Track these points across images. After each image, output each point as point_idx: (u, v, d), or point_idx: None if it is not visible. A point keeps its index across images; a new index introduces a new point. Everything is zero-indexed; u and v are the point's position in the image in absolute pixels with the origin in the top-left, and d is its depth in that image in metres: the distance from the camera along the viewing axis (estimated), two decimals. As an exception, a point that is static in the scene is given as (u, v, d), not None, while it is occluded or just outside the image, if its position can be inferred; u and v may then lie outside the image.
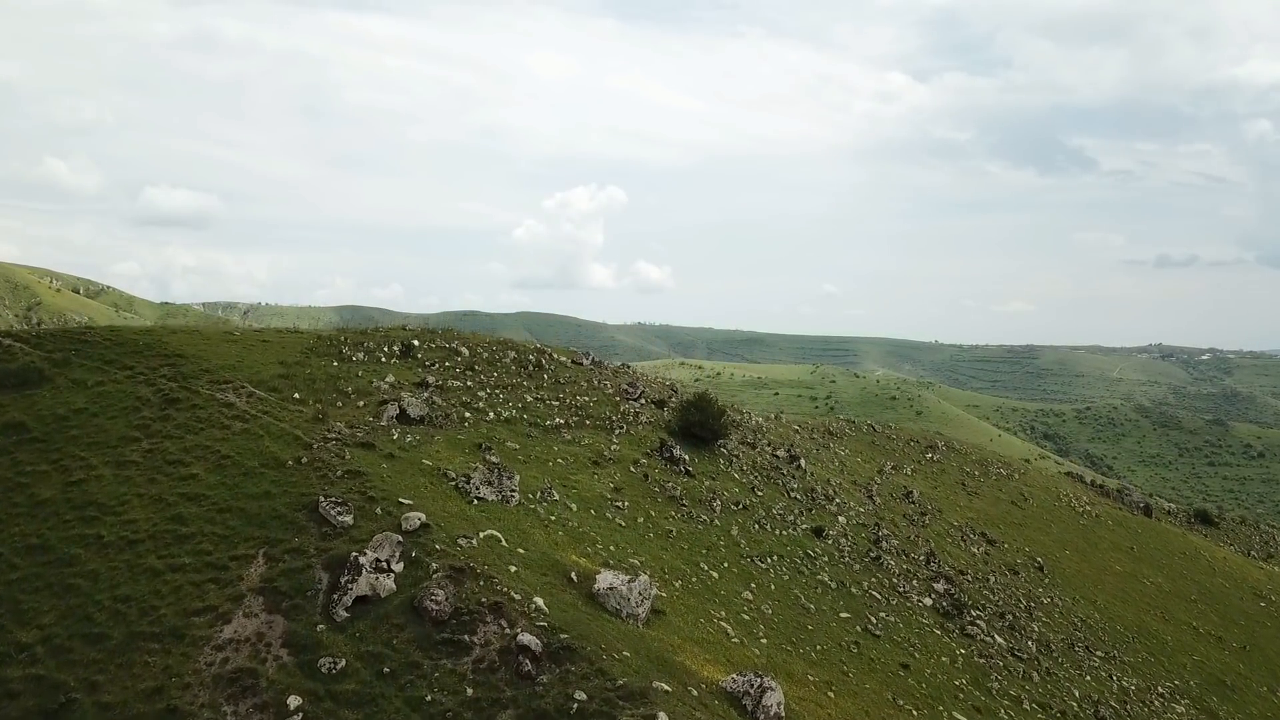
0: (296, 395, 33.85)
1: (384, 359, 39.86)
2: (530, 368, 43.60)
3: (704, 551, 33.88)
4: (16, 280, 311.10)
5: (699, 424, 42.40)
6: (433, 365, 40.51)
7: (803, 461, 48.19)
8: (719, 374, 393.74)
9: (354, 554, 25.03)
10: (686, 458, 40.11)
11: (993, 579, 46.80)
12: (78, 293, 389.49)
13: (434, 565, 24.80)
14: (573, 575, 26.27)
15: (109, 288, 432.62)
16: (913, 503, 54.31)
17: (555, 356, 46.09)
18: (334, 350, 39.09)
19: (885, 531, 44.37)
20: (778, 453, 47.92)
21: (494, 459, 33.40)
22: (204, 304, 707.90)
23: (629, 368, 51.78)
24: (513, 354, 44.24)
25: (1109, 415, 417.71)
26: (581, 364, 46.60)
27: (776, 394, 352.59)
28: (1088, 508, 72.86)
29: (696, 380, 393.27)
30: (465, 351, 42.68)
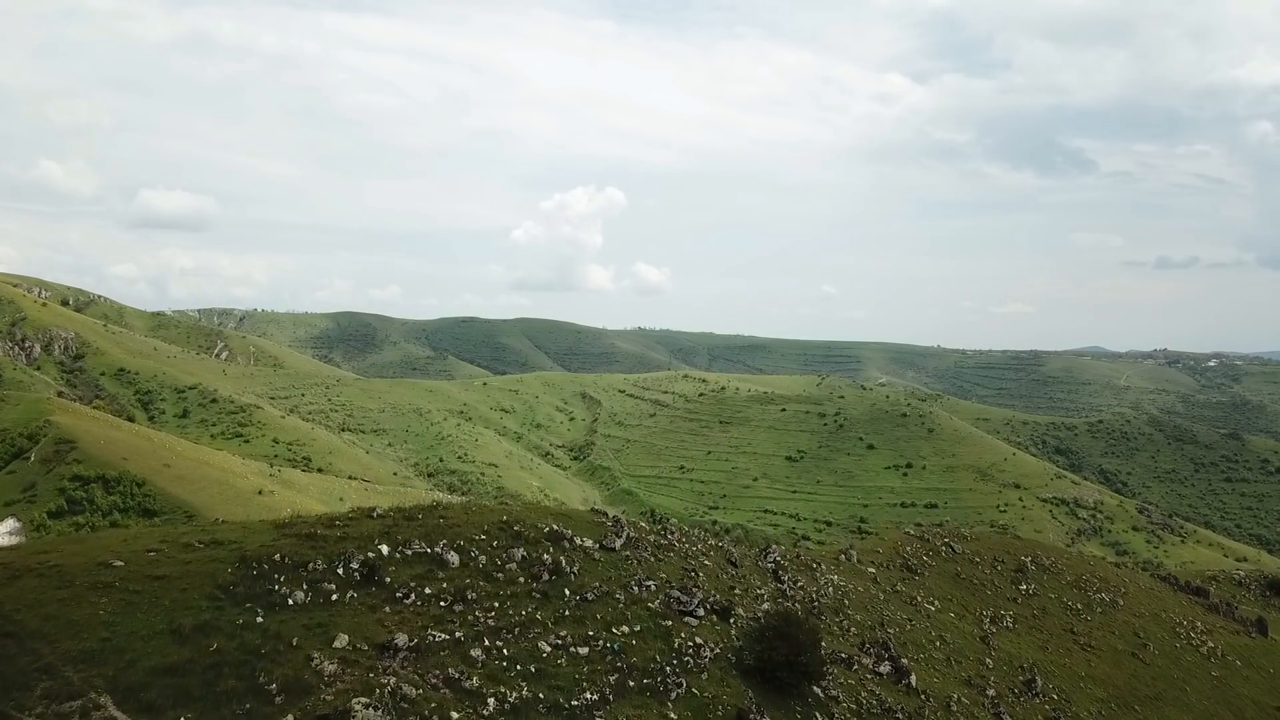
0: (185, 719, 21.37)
1: (335, 592, 27.21)
2: (546, 575, 30.96)
3: None
4: (1, 295, 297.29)
5: (786, 665, 29.99)
6: (407, 596, 27.87)
7: (912, 676, 35.81)
8: (723, 388, 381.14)
9: None
10: (775, 731, 27.79)
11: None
12: (67, 304, 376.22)
13: None
14: None
15: (100, 298, 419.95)
16: (1037, 694, 42.09)
17: (578, 542, 33.53)
18: (262, 588, 26.42)
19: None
20: (879, 668, 35.50)
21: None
22: (199, 310, 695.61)
23: (669, 532, 39.03)
24: (521, 552, 31.58)
25: (1122, 429, 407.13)
26: (614, 549, 34.10)
27: (784, 410, 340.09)
28: (1205, 639, 60.78)
29: (701, 395, 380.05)
30: (454, 559, 30.02)
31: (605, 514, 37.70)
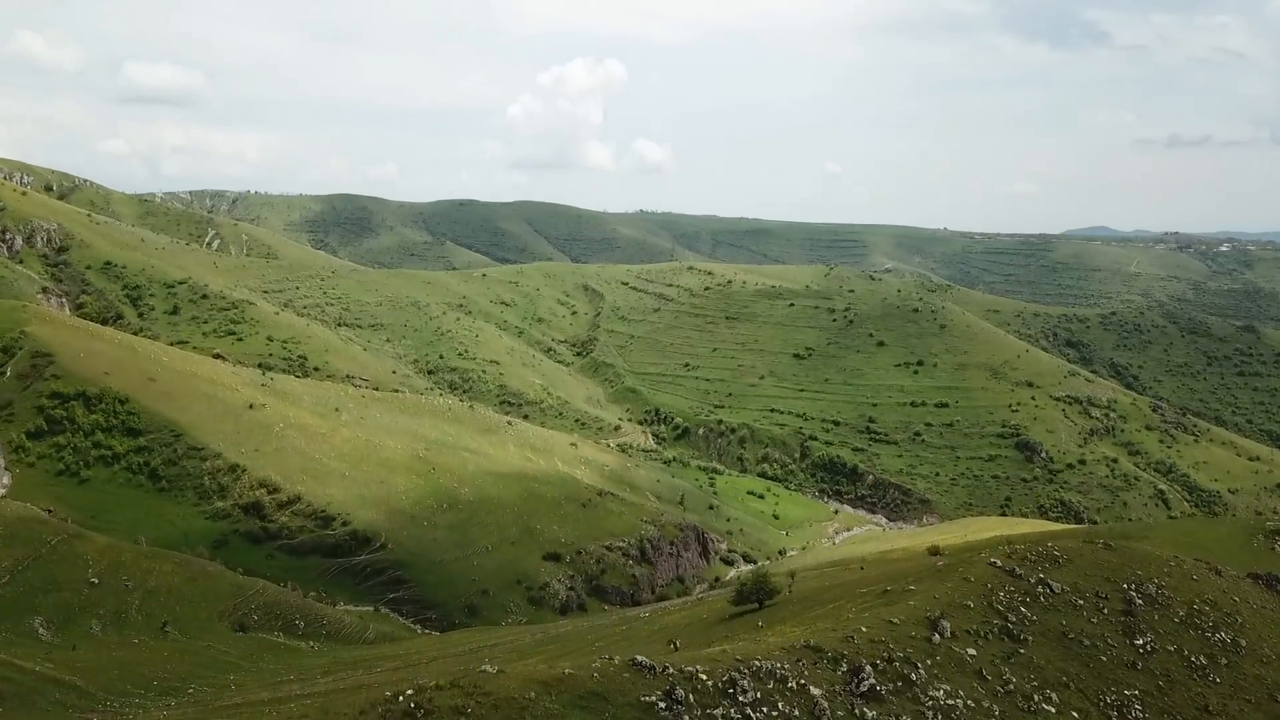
0: None
1: None
2: None
3: None
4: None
5: None
6: None
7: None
8: (729, 281, 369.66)
9: None
10: None
11: None
12: (50, 190, 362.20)
13: None
14: None
15: (86, 182, 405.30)
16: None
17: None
18: None
19: None
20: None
21: None
22: (190, 192, 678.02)
23: (740, 691, 29.28)
24: None
25: (1135, 321, 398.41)
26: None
27: (792, 305, 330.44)
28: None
29: (706, 289, 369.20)
30: None
31: (650, 668, 28.75)
